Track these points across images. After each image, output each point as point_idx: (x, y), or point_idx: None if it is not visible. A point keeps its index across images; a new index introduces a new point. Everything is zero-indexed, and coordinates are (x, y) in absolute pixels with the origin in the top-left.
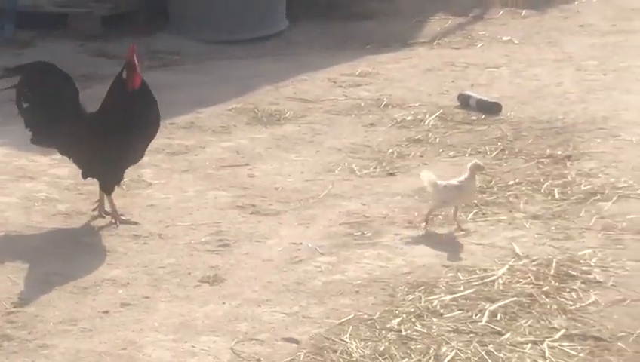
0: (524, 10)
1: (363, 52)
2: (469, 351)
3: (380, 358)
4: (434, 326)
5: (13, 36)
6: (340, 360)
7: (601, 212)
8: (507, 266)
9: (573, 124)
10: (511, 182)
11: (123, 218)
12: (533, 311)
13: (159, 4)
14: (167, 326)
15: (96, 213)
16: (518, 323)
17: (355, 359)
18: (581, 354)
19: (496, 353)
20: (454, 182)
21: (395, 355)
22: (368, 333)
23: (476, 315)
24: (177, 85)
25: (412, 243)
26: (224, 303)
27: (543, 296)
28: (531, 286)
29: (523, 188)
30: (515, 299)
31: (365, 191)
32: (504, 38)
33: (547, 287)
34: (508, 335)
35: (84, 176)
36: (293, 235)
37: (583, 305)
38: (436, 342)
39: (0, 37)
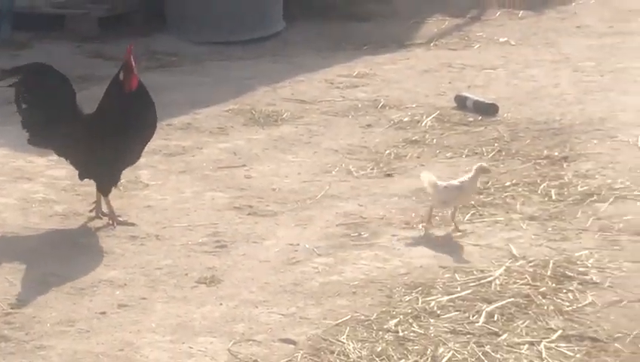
0: (521, 12)
1: (360, 53)
2: (466, 352)
3: (377, 359)
4: (431, 327)
5: (11, 37)
6: (337, 361)
7: (597, 213)
8: (504, 267)
9: (571, 125)
10: (508, 183)
11: (120, 219)
12: (530, 312)
13: (156, 6)
14: (164, 327)
15: (93, 214)
16: (515, 324)
17: (352, 360)
18: (578, 355)
19: (493, 354)
20: (455, 182)
21: (393, 356)
22: (365, 334)
23: (473, 316)
24: (174, 86)
25: (409, 244)
26: (221, 304)
27: (540, 297)
28: (528, 287)
29: (520, 189)
30: (512, 299)
31: (362, 192)
32: (501, 40)
33: (544, 288)
34: (505, 336)
35: (81, 177)
36: (291, 236)
37: (579, 305)
38: (433, 343)
39: None
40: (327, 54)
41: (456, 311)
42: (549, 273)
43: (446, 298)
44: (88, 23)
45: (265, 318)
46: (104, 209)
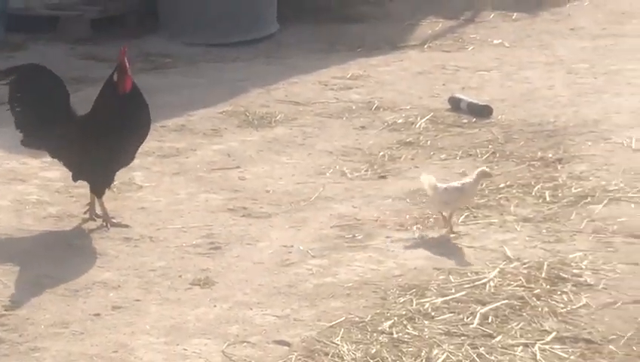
0: (515, 13)
1: (354, 55)
2: (460, 354)
3: (372, 361)
4: (425, 329)
5: (5, 39)
6: None
7: (592, 215)
8: (498, 269)
9: (564, 127)
10: (502, 185)
11: (114, 221)
12: (524, 314)
13: (150, 7)
14: (158, 329)
15: (87, 215)
16: (510, 326)
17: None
18: (572, 357)
19: (487, 356)
20: (456, 184)
21: (387, 358)
22: (360, 336)
23: (467, 318)
24: (169, 88)
25: (403, 246)
26: (215, 306)
27: (534, 299)
28: (522, 288)
29: (514, 190)
30: (506, 301)
31: (356, 193)
32: (495, 41)
33: (538, 290)
34: (499, 337)
35: (75, 178)
36: (285, 238)
37: (574, 307)
38: (428, 345)
39: None
40: (321, 56)
41: (451, 312)
42: (543, 275)
43: (440, 299)
44: (81, 25)
45: (259, 320)
46: (98, 210)
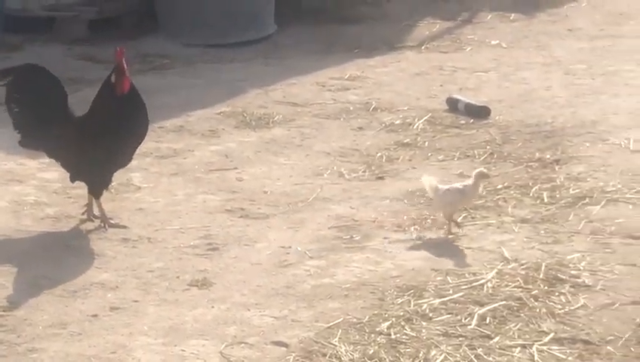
0: (512, 14)
1: (351, 56)
2: (458, 355)
3: None
4: (423, 330)
5: (2, 40)
6: None
7: (589, 216)
8: (496, 270)
9: (562, 128)
10: (500, 186)
11: (112, 221)
12: (522, 315)
13: (147, 8)
14: (156, 330)
15: (84, 216)
16: (507, 327)
17: None
18: (570, 358)
19: (485, 356)
20: (458, 185)
21: (385, 359)
22: (357, 337)
23: (465, 319)
24: (166, 89)
25: (401, 247)
26: (213, 307)
27: (532, 300)
28: (520, 289)
29: (512, 192)
30: (504, 302)
31: (354, 194)
32: (492, 42)
33: (536, 291)
34: (497, 338)
35: (73, 179)
36: (282, 239)
37: (571, 308)
38: (425, 346)
39: None
40: (319, 57)
41: (449, 313)
42: (541, 276)
43: (438, 300)
44: (78, 26)
45: (257, 321)
46: (96, 211)
